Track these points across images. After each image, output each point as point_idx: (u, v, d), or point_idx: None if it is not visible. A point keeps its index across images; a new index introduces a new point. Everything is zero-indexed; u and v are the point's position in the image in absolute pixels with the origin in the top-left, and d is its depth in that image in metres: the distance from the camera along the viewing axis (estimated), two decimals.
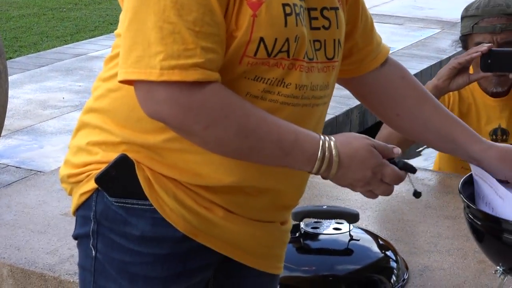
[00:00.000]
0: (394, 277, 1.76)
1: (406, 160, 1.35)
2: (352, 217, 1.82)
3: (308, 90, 1.30)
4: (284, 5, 1.27)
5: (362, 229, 1.90)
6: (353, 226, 1.85)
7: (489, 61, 2.12)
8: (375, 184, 1.30)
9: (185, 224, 1.30)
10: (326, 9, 1.35)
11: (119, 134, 1.32)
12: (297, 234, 1.81)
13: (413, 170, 1.38)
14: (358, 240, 1.82)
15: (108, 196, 1.31)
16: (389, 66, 1.52)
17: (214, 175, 1.30)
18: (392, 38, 7.38)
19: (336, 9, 1.39)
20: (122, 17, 1.26)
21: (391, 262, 1.81)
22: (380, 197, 2.18)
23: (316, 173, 1.26)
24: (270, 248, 1.45)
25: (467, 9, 2.46)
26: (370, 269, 1.77)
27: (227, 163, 1.29)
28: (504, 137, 2.42)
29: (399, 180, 1.31)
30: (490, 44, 2.19)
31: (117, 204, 1.30)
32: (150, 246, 1.32)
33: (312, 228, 1.82)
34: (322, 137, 1.26)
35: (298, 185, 1.43)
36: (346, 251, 1.79)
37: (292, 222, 1.75)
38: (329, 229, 1.82)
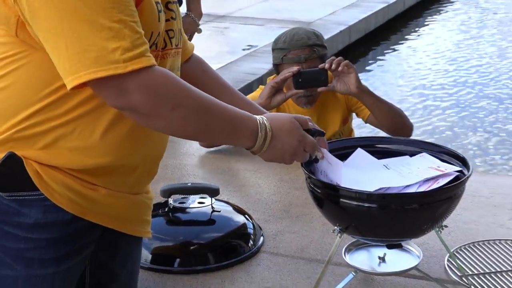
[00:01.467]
0: (251, 241, 1.84)
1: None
2: (213, 192, 1.89)
3: None
4: (156, 3, 1.31)
5: (224, 201, 1.96)
6: (216, 199, 1.90)
7: (299, 80, 2.33)
8: (300, 153, 1.38)
9: (74, 205, 1.32)
10: (170, 3, 1.39)
11: (4, 133, 1.30)
12: (166, 209, 1.85)
13: (322, 133, 1.48)
14: (219, 211, 1.88)
15: None
16: (192, 62, 1.56)
17: (95, 158, 1.32)
18: (255, 37, 7.47)
19: (176, 2, 1.45)
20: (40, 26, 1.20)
21: (248, 229, 1.88)
22: (241, 174, 2.29)
23: (255, 146, 1.32)
24: (142, 214, 1.50)
25: (276, 42, 2.61)
26: (231, 236, 1.83)
27: (104, 146, 1.31)
28: None
29: (315, 148, 1.41)
30: (299, 66, 2.36)
31: (9, 198, 1.30)
32: (42, 232, 1.32)
33: (179, 203, 1.86)
34: (255, 116, 1.34)
35: (159, 157, 1.48)
36: (209, 221, 1.85)
37: (162, 200, 1.82)
38: (194, 203, 1.86)
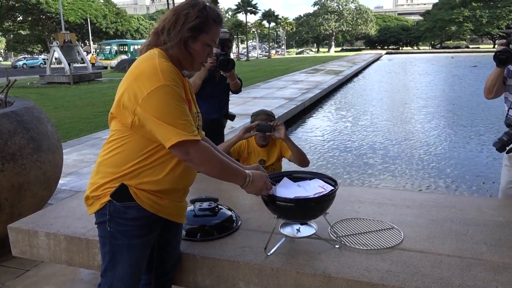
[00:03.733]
0: (234, 223, 1.80)
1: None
2: (215, 200, 1.87)
3: None
4: (194, 112, 1.36)
5: (221, 204, 1.90)
6: (217, 204, 1.86)
7: (258, 127, 2.38)
8: (264, 191, 1.40)
9: (152, 208, 1.32)
10: (198, 112, 1.42)
11: (118, 174, 1.30)
12: (192, 209, 1.81)
13: (274, 184, 1.48)
14: (219, 209, 1.84)
15: (116, 202, 1.29)
16: (204, 140, 1.49)
17: (162, 185, 1.32)
18: (237, 123, 7.50)
19: (200, 112, 1.47)
20: (147, 119, 1.22)
21: (233, 217, 1.84)
22: (229, 191, 2.24)
23: (244, 185, 1.36)
24: (183, 212, 1.48)
25: (252, 114, 2.67)
26: (224, 221, 1.78)
27: (167, 180, 1.32)
28: (264, 163, 2.61)
29: (270, 190, 1.42)
30: (258, 122, 2.44)
31: (121, 205, 1.30)
32: (136, 221, 1.31)
33: (199, 205, 1.82)
34: (245, 170, 1.37)
35: (190, 185, 1.47)
36: (214, 214, 1.80)
37: (190, 203, 1.78)
38: (206, 206, 1.83)
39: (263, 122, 2.45)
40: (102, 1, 48.21)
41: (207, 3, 1.33)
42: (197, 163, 1.25)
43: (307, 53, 64.74)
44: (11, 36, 45.80)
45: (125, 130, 1.28)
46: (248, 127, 2.41)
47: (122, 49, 32.82)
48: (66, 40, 17.16)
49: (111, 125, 1.34)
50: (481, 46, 65.89)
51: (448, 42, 66.53)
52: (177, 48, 1.30)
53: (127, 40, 36.94)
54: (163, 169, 1.29)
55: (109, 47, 32.68)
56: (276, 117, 2.79)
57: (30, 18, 42.83)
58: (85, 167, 5.04)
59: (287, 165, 2.88)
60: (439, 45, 66.88)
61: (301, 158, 2.47)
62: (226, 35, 2.68)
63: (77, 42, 18.92)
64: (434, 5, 67.22)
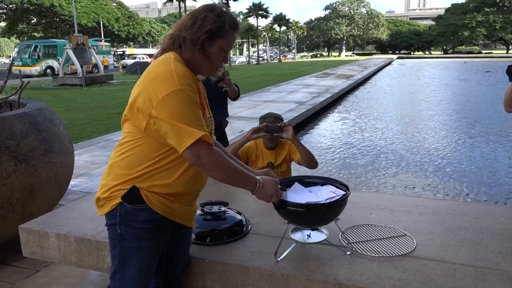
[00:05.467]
0: (244, 228, 1.80)
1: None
2: (225, 204, 1.87)
3: None
4: (208, 117, 1.37)
5: (232, 209, 1.90)
6: (227, 208, 1.86)
7: (266, 129, 2.37)
8: (274, 197, 1.39)
9: (163, 211, 1.32)
10: (211, 117, 1.43)
11: (130, 176, 1.31)
12: (202, 212, 1.81)
13: (284, 189, 1.49)
14: (229, 213, 1.84)
15: (127, 204, 1.29)
16: (215, 144, 1.48)
17: (173, 189, 1.32)
18: (244, 126, 7.46)
19: (212, 116, 1.47)
20: (161, 125, 1.22)
21: (243, 222, 1.83)
22: (239, 195, 2.21)
23: (254, 191, 1.35)
24: (193, 215, 1.49)
25: (261, 117, 2.66)
26: (234, 225, 1.78)
27: (178, 183, 1.32)
28: (271, 165, 2.60)
29: (280, 196, 1.42)
30: (265, 123, 2.45)
31: (132, 207, 1.30)
32: (147, 224, 1.31)
33: (209, 209, 1.82)
34: (256, 176, 1.37)
35: (201, 189, 1.47)
36: (223, 218, 1.80)
37: (200, 207, 1.78)
38: (216, 209, 1.82)
39: (271, 123, 2.46)
40: (115, 4, 48.83)
41: (224, 8, 1.33)
42: (208, 168, 1.25)
43: (325, 56, 64.45)
44: (25, 38, 46.66)
45: (138, 133, 1.28)
46: (256, 128, 2.42)
47: (48, 52, 25.63)
48: (79, 43, 17.41)
49: (124, 127, 1.35)
50: (494, 51, 65.14)
51: (461, 47, 65.89)
52: (192, 51, 1.30)
53: (56, 40, 28.24)
54: (174, 172, 1.29)
55: (29, 49, 24.76)
56: (286, 120, 2.78)
57: (44, 21, 43.63)
58: (96, 168, 5.07)
59: (294, 167, 2.87)
60: (451, 50, 66.26)
61: (309, 160, 2.45)
62: None
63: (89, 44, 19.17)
64: (447, 9, 66.76)
